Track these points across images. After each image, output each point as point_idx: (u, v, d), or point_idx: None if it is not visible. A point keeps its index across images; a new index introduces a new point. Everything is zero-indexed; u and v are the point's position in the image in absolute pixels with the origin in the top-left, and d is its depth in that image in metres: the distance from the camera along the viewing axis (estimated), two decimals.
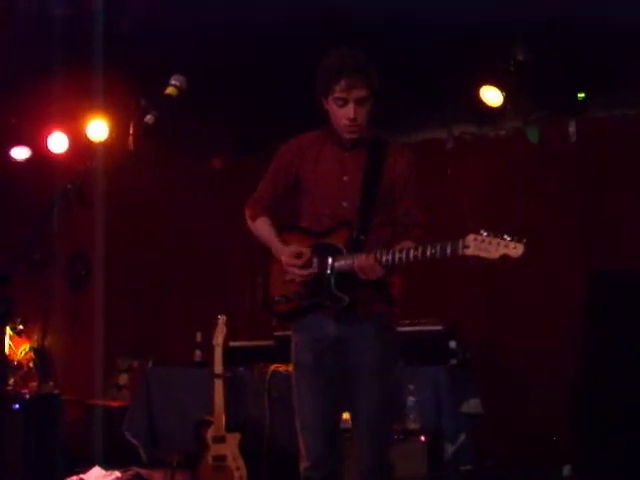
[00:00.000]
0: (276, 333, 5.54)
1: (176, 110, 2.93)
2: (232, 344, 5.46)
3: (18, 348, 7.14)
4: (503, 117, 5.91)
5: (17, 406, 5.23)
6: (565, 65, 5.17)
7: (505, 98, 5.50)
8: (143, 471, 5.71)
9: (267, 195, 3.40)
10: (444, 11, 4.78)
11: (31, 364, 7.03)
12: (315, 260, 3.16)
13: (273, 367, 5.24)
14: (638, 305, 4.81)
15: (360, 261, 3.02)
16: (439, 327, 5.06)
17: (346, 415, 4.66)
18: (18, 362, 6.95)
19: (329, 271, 3.11)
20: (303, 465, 3.22)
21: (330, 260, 3.13)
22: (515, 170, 5.89)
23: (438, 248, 2.90)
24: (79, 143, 6.54)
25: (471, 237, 2.83)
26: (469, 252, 2.82)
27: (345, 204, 3.20)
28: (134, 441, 5.59)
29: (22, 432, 5.30)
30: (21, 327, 7.18)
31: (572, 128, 5.73)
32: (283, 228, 3.36)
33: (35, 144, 6.78)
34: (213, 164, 7.03)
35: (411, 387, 4.55)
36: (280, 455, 5.08)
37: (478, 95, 5.53)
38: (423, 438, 4.41)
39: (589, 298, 4.98)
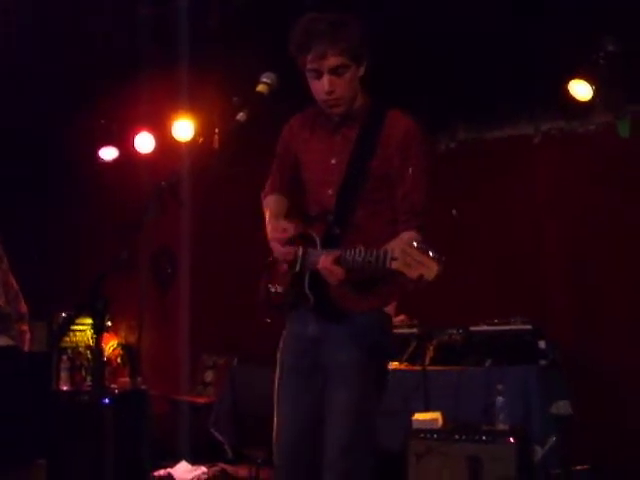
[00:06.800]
0: None
1: (266, 108, 2.88)
2: None
3: (107, 344, 7.28)
4: (592, 111, 5.76)
5: (107, 400, 5.33)
6: None
7: (594, 92, 5.34)
8: (228, 467, 5.79)
9: (277, 177, 3.01)
10: (532, 3, 4.70)
11: (119, 360, 7.16)
12: (300, 248, 2.73)
13: None
14: None
15: (321, 262, 2.57)
16: (528, 326, 4.96)
17: None
18: (107, 358, 7.09)
19: (302, 266, 2.70)
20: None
21: (307, 254, 2.70)
22: (605, 166, 5.72)
23: (373, 256, 2.42)
24: (165, 143, 6.65)
25: (398, 248, 2.34)
26: (395, 265, 2.33)
27: (330, 192, 2.75)
28: (220, 437, 5.66)
29: (111, 426, 5.39)
30: (109, 324, 7.32)
31: None
32: (290, 213, 2.95)
33: (122, 144, 6.92)
34: None
35: (500, 387, 4.47)
36: None
37: (566, 89, 5.39)
38: (512, 439, 4.32)
39: None
